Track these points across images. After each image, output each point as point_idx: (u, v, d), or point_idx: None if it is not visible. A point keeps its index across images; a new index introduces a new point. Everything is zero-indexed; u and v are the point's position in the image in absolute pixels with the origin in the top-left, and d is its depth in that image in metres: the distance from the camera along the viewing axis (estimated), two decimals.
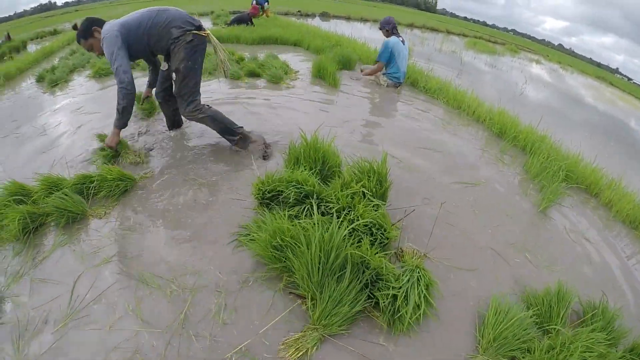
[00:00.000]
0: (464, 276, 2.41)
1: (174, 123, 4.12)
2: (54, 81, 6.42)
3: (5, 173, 3.39)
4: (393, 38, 5.86)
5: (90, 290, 2.17)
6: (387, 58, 5.90)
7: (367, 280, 2.02)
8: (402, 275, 2.04)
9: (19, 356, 1.89)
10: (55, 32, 22.59)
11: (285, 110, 4.63)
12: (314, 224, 2.05)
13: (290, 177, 2.50)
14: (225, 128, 3.56)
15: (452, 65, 10.17)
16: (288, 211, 2.34)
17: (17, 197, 2.75)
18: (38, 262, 2.39)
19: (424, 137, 4.28)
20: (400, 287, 1.98)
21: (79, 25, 3.32)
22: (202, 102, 3.50)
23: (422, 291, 2.01)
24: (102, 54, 3.31)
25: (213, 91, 5.23)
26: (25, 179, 2.96)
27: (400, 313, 1.94)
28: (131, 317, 2.02)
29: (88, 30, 3.26)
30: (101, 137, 3.75)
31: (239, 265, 2.28)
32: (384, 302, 1.97)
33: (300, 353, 1.80)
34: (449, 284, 2.32)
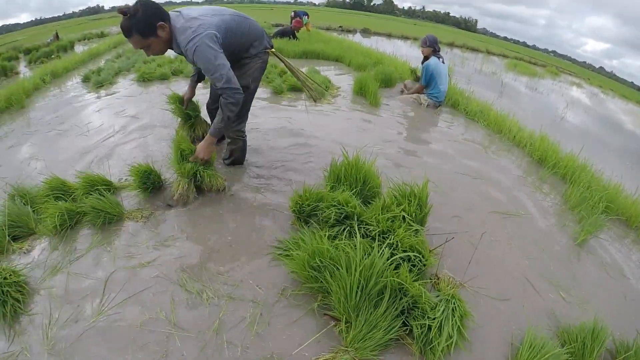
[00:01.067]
0: (498, 307, 2.36)
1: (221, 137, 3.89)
2: (99, 82, 6.65)
3: (47, 168, 3.52)
4: (433, 59, 5.84)
5: (123, 290, 2.24)
6: (427, 80, 5.89)
7: (403, 307, 2.00)
8: (438, 304, 2.02)
9: (47, 344, 1.96)
10: (102, 35, 23.50)
11: (327, 127, 4.65)
12: (356, 247, 2.04)
13: (331, 197, 2.50)
14: (240, 161, 3.56)
15: (492, 87, 10.05)
16: (327, 231, 2.33)
17: (57, 193, 2.85)
18: (74, 258, 2.47)
19: (463, 161, 4.23)
20: (435, 318, 1.95)
21: (133, 9, 2.45)
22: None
23: (457, 323, 1.98)
24: (159, 54, 2.76)
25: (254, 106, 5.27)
26: (66, 175, 3.06)
27: (433, 344, 1.90)
28: (163, 320, 2.06)
29: (153, 26, 2.51)
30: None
31: (275, 279, 2.30)
32: (418, 332, 1.94)
33: None
34: (482, 314, 2.27)
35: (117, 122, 4.58)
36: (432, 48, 5.95)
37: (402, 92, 6.54)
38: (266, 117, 4.88)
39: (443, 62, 5.95)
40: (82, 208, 2.74)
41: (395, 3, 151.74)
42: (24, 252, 2.65)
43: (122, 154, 3.77)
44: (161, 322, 2.05)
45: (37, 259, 2.55)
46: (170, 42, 2.68)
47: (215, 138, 2.95)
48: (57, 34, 23.26)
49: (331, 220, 2.40)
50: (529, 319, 2.29)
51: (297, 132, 4.41)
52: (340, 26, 24.74)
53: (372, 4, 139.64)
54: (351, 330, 1.91)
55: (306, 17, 15.61)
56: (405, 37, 23.30)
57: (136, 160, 3.41)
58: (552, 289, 2.61)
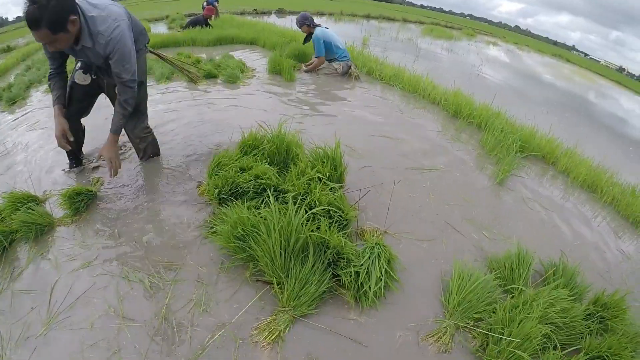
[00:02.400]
0: (425, 248, 2.53)
1: (78, 148, 3.38)
2: (11, 99, 6.28)
3: None
4: (318, 29, 5.99)
5: (69, 294, 2.20)
6: (324, 49, 5.99)
7: (329, 259, 2.11)
8: (363, 252, 2.13)
9: None
10: (8, 49, 21.96)
11: (244, 108, 4.66)
12: (272, 212, 2.11)
13: (249, 174, 2.55)
14: (158, 149, 3.46)
15: (408, 52, 10.34)
16: (247, 204, 2.38)
17: None
18: (16, 276, 2.40)
19: (380, 123, 4.39)
20: (362, 264, 2.06)
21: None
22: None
23: (383, 265, 2.11)
24: (61, 49, 2.46)
25: (172, 96, 5.21)
26: None
27: (365, 288, 2.02)
28: (112, 315, 2.06)
29: (63, 20, 2.22)
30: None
31: (212, 256, 2.34)
32: (347, 280, 2.05)
33: (274, 336, 1.87)
34: (409, 256, 2.43)
35: (34, 136, 4.38)
36: (306, 24, 6.10)
37: (303, 69, 6.50)
38: (186, 105, 4.83)
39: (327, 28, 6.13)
40: (12, 226, 2.65)
41: None
42: None
43: (44, 166, 3.61)
44: (110, 318, 2.05)
45: None
46: (77, 37, 2.42)
47: (118, 135, 2.81)
48: None
49: (250, 193, 2.46)
50: (456, 256, 2.47)
51: (214, 115, 4.41)
52: (254, 9, 24.41)
53: None
54: (285, 291, 1.99)
55: (216, 2, 15.35)
56: (321, 13, 23.32)
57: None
58: (475, 230, 2.81)
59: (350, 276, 2.04)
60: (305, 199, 2.35)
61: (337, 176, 2.67)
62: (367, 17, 25.53)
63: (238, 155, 2.83)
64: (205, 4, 15.08)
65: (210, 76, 5.91)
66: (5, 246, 2.56)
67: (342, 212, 2.36)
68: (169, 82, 5.97)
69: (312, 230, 2.14)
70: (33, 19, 2.13)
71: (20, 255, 2.55)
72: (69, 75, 2.93)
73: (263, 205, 2.37)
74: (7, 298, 2.26)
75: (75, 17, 2.27)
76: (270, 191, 2.38)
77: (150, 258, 2.35)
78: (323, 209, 2.31)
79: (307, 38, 6.22)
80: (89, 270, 2.33)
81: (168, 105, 4.72)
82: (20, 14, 2.41)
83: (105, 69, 2.77)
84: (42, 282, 2.32)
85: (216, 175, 2.68)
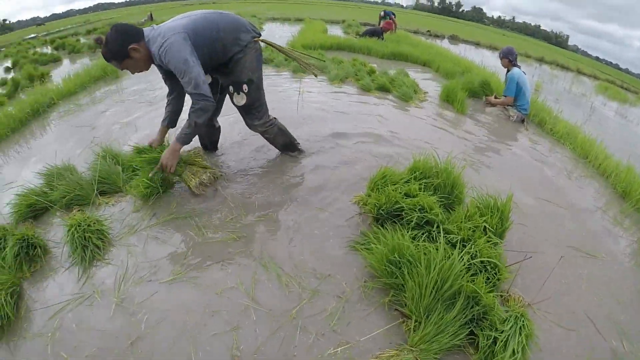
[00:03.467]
0: (561, 336, 2.31)
1: (213, 143, 3.75)
2: None
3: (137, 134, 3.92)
4: (516, 70, 5.69)
5: (205, 257, 2.41)
6: (514, 91, 5.70)
7: (473, 315, 2.03)
8: (508, 319, 2.01)
9: (118, 297, 2.16)
10: None
11: (414, 129, 4.65)
12: (437, 249, 2.09)
13: (415, 201, 2.51)
14: (290, 142, 3.51)
15: (580, 109, 9.55)
16: (409, 233, 2.37)
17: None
18: (155, 223, 2.68)
19: (546, 184, 4.06)
20: (503, 332, 1.95)
21: (105, 38, 2.60)
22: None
23: (522, 341, 1.97)
24: (144, 70, 2.82)
25: (342, 102, 5.37)
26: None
27: (496, 358, 1.90)
28: (242, 293, 2.19)
29: (122, 51, 2.59)
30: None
31: (356, 272, 2.37)
32: (484, 342, 1.95)
33: None
34: (546, 339, 2.24)
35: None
36: (507, 59, 5.82)
37: (486, 105, 6.34)
38: (356, 114, 4.94)
39: (524, 73, 5.80)
40: (175, 176, 3.01)
41: (484, 11, 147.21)
42: (110, 206, 2.97)
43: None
44: (239, 294, 2.17)
45: (119, 215, 2.83)
46: (151, 58, 2.73)
47: (181, 144, 2.86)
48: (151, 14, 24.74)
49: (412, 223, 2.43)
50: (589, 356, 2.23)
51: (384, 129, 4.45)
52: (428, 30, 24.27)
53: (460, 10, 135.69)
54: (419, 330, 1.94)
55: (393, 16, 15.56)
56: (493, 48, 22.24)
57: None
58: (616, 336, 2.46)
59: (487, 340, 1.94)
60: (466, 245, 2.28)
61: (500, 231, 2.56)
62: (540, 60, 23.94)
63: (406, 178, 2.81)
64: (382, 13, 15.30)
65: (383, 89, 6.00)
66: (158, 193, 2.91)
67: (497, 271, 2.26)
68: (342, 84, 6.18)
69: (468, 281, 2.06)
70: (104, 55, 2.63)
71: (165, 208, 2.85)
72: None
73: (422, 237, 2.35)
74: (141, 239, 2.55)
75: (135, 45, 2.59)
76: (434, 227, 2.37)
77: (296, 258, 2.44)
78: (481, 262, 2.23)
79: (508, 71, 5.91)
80: (231, 245, 2.50)
81: (337, 106, 4.91)
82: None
83: (216, 67, 2.99)
84: (180, 239, 2.56)
85: (378, 189, 2.71)
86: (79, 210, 2.90)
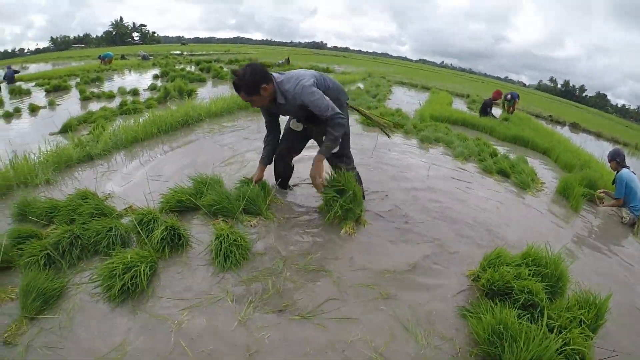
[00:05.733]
0: None
1: (285, 181, 4.14)
2: None
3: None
4: (624, 170, 5.58)
5: (343, 306, 2.58)
6: (623, 193, 5.57)
7: None
8: None
9: (244, 313, 2.44)
10: (327, 70, 26.05)
11: (528, 217, 4.75)
12: (537, 330, 2.27)
13: (523, 284, 2.67)
14: (362, 190, 3.76)
15: None
16: (515, 311, 2.52)
17: None
18: (301, 263, 3.06)
19: None
20: None
21: (243, 72, 3.02)
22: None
23: None
24: (262, 107, 3.37)
25: (463, 182, 5.56)
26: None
27: None
28: (370, 346, 2.30)
29: (256, 87, 3.03)
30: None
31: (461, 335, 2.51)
32: None
33: None
34: None
35: None
36: (615, 161, 5.73)
37: (597, 203, 6.09)
38: (477, 195, 5.10)
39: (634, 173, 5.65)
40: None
41: (608, 98, 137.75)
42: (250, 226, 3.41)
43: None
44: (366, 346, 2.29)
45: (263, 237, 3.27)
46: (273, 99, 3.18)
47: (324, 156, 3.30)
48: (288, 58, 26.49)
49: (519, 303, 2.60)
50: None
51: (497, 213, 4.58)
52: (550, 115, 23.38)
53: (584, 94, 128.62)
54: None
55: (517, 98, 15.39)
56: (615, 140, 20.56)
57: None
58: None
59: None
60: (562, 332, 2.39)
61: (595, 326, 2.61)
62: None
63: (518, 261, 2.97)
64: (509, 96, 15.15)
65: (503, 173, 6.10)
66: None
67: None
68: (465, 162, 6.47)
69: None
70: (236, 86, 3.01)
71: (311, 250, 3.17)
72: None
73: (525, 317, 2.49)
74: (276, 268, 2.89)
75: (266, 85, 3.03)
76: (537, 310, 2.55)
77: (424, 317, 2.59)
78: (572, 349, 2.29)
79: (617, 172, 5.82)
80: (369, 298, 2.71)
81: (459, 184, 5.26)
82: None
83: (310, 117, 3.36)
84: (319, 283, 2.80)
85: (493, 267, 2.92)
86: (223, 220, 3.40)
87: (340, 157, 3.61)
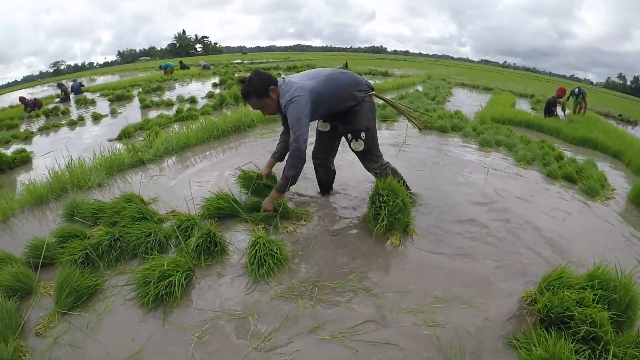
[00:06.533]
0: None
1: (328, 186, 4.18)
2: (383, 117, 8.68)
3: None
4: None
5: (378, 329, 2.41)
6: None
7: None
8: None
9: (267, 337, 2.32)
10: (386, 74, 25.85)
11: (596, 230, 4.22)
12: None
13: (584, 312, 2.28)
14: (404, 183, 3.60)
15: None
16: (572, 343, 2.18)
17: None
18: (340, 282, 2.97)
19: None
20: None
21: (250, 79, 3.16)
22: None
23: None
24: (273, 113, 3.34)
25: (526, 188, 5.19)
26: None
27: None
28: None
29: (265, 89, 3.11)
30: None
31: None
32: None
33: None
34: None
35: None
36: None
37: None
38: (540, 204, 4.69)
39: None
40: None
41: None
42: (287, 232, 3.38)
43: None
44: None
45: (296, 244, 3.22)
46: (278, 104, 3.21)
47: (279, 194, 3.40)
48: (346, 63, 26.57)
49: (579, 336, 2.22)
50: None
51: (561, 224, 4.15)
52: (620, 114, 21.70)
53: None
54: None
55: (585, 95, 14.41)
56: None
57: None
58: None
59: None
60: None
61: None
62: None
63: (582, 284, 2.54)
64: (576, 90, 14.22)
65: (569, 178, 5.62)
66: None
67: None
68: (528, 167, 6.05)
69: None
70: (245, 92, 3.15)
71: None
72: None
73: (585, 353, 2.14)
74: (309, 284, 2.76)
75: (274, 87, 3.12)
76: (599, 345, 2.18)
77: (475, 349, 2.32)
78: None
79: None
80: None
81: (520, 192, 4.90)
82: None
83: (334, 117, 3.48)
84: (354, 306, 2.60)
85: (552, 289, 2.52)
86: (263, 227, 3.36)
87: (366, 155, 3.59)
